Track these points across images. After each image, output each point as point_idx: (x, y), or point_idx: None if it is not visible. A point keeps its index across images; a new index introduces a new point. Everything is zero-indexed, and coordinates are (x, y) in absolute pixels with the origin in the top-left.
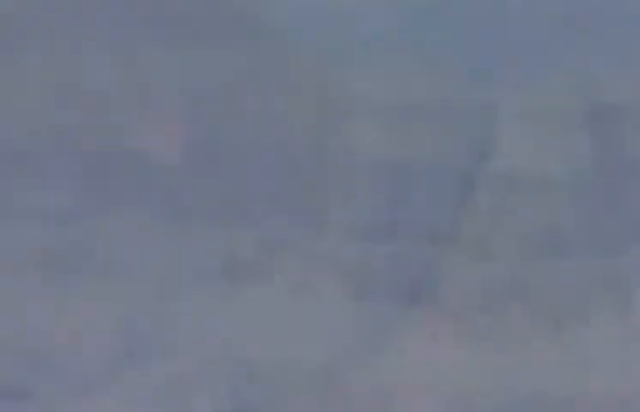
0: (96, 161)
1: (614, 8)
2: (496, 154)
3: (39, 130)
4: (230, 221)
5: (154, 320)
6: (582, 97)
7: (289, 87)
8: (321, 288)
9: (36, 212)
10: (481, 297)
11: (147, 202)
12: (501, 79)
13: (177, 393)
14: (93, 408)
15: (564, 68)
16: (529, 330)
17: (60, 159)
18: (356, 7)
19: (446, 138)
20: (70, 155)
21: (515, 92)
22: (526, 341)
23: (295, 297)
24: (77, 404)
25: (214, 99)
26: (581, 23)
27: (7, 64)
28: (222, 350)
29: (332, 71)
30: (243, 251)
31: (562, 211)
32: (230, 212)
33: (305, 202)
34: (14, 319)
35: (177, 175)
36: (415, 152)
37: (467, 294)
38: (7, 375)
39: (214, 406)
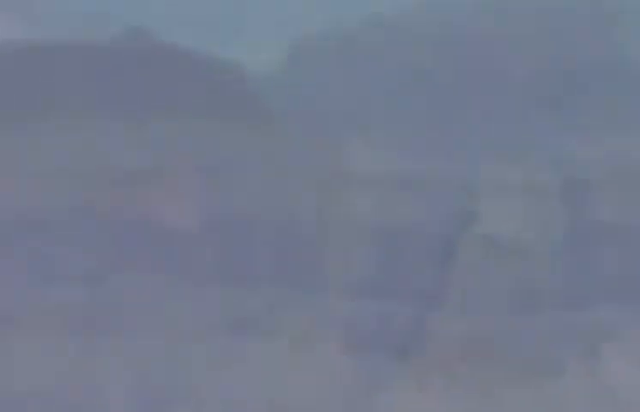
0: (117, 230)
1: (587, 89)
2: (476, 221)
3: (66, 202)
4: (237, 282)
5: (169, 373)
6: (555, 171)
7: (290, 161)
8: (319, 343)
9: (64, 275)
10: (463, 350)
11: (162, 266)
12: (482, 153)
13: None
14: None
15: (540, 144)
16: (507, 380)
17: (85, 228)
18: (347, 83)
19: (431, 207)
20: (94, 225)
21: (494, 165)
22: (504, 390)
23: (295, 351)
24: None
25: (223, 171)
26: (555, 102)
27: (34, 143)
28: (229, 397)
29: (328, 146)
30: (249, 309)
31: (536, 273)
32: (237, 274)
33: (305, 264)
34: (42, 373)
35: (189, 242)
36: (404, 219)
37: (451, 348)
38: None
39: None
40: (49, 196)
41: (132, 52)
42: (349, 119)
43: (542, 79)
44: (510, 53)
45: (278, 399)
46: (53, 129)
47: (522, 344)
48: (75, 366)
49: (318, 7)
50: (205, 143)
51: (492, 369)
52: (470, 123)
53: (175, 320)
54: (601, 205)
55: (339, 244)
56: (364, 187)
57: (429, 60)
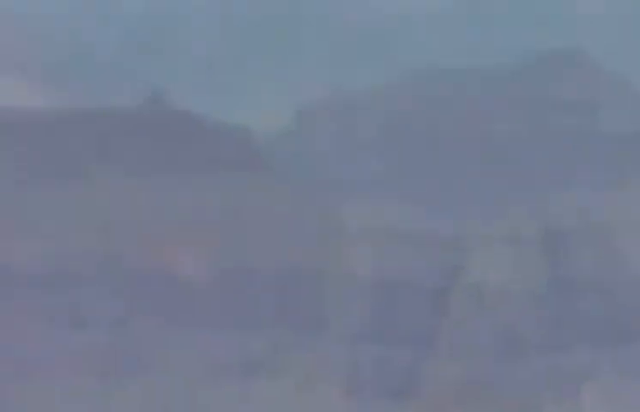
0: (137, 279)
1: (565, 152)
2: (465, 273)
3: (91, 254)
4: (243, 327)
5: (183, 409)
6: (537, 223)
7: (295, 216)
8: (320, 384)
9: (89, 319)
10: (455, 391)
11: (175, 311)
12: (472, 209)
13: None
14: None
15: (523, 200)
16: None
17: (108, 278)
18: (347, 145)
19: (424, 260)
20: (116, 274)
21: (482, 220)
22: None
23: (298, 392)
24: None
25: (232, 226)
26: (535, 164)
27: (62, 202)
28: None
29: (329, 202)
30: (256, 352)
31: (521, 318)
32: (243, 319)
33: (308, 311)
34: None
35: (202, 289)
36: (399, 271)
37: (444, 389)
38: None
39: None
40: (76, 249)
41: (150, 118)
42: (349, 178)
43: (524, 141)
44: (493, 118)
45: None
46: (79, 187)
47: (509, 386)
48: (97, 405)
49: (321, 75)
50: (216, 200)
51: (484, 410)
52: (459, 182)
53: (189, 362)
54: (578, 256)
55: (340, 292)
56: (362, 241)
57: (423, 125)
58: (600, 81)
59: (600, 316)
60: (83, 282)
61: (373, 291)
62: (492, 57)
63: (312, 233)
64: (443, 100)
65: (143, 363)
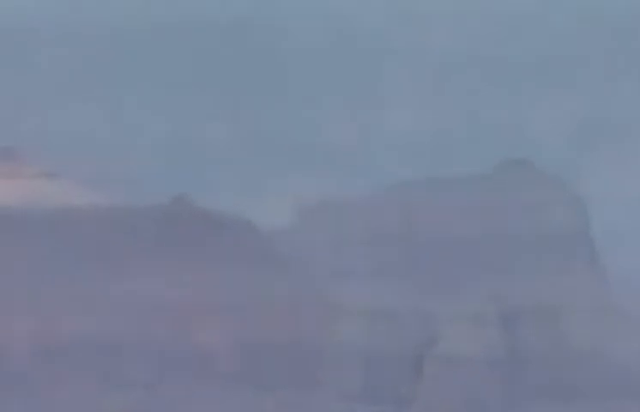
0: (165, 348)
1: (525, 230)
2: (438, 343)
3: (128, 328)
4: (257, 387)
5: None
6: (497, 303)
7: (296, 296)
8: None
9: (125, 388)
10: None
11: (200, 375)
12: (443, 293)
13: None
14: None
15: (480, 283)
16: None
17: (138, 358)
18: (339, 239)
19: (404, 332)
20: (146, 355)
21: (449, 298)
22: None
23: None
24: None
25: (244, 306)
26: (496, 256)
27: (100, 287)
28: None
29: (324, 287)
30: (266, 408)
31: (482, 384)
32: (257, 382)
33: (308, 375)
34: None
35: (220, 357)
36: (383, 342)
37: None
38: None
39: None
40: (116, 324)
41: (175, 215)
42: (340, 265)
43: (487, 236)
44: (461, 218)
45: None
46: (117, 274)
47: None
48: None
49: (322, 178)
50: (231, 285)
51: None
52: (433, 270)
53: None
54: (530, 332)
55: (335, 359)
56: (351, 317)
57: (403, 226)
58: (546, 184)
59: (548, 378)
60: (122, 351)
61: (362, 358)
62: (456, 166)
63: (311, 311)
64: (419, 205)
65: None
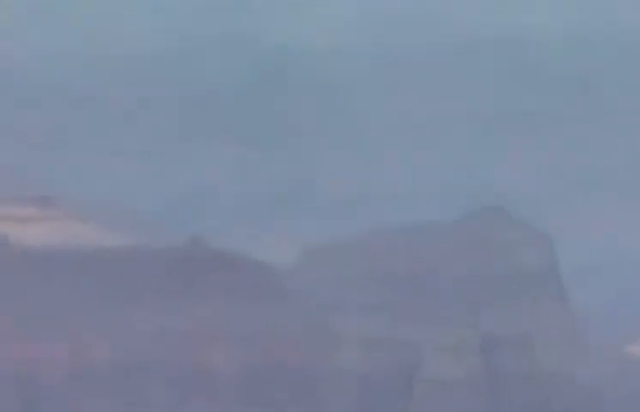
0: (186, 375)
1: (500, 269)
2: (422, 368)
3: (146, 365)
4: (266, 407)
5: None
6: (477, 332)
7: (300, 329)
8: None
9: (148, 408)
10: None
11: (217, 396)
12: (430, 324)
13: None
14: None
15: (461, 315)
16: None
17: (160, 381)
18: (342, 279)
19: (394, 359)
20: (166, 379)
21: (435, 329)
22: None
23: None
24: None
25: (254, 335)
26: (474, 284)
27: (127, 322)
28: None
29: (327, 321)
30: None
31: (464, 404)
32: (266, 401)
33: (310, 395)
34: None
35: (232, 379)
36: (375, 367)
37: None
38: None
39: None
40: (141, 352)
41: (192, 255)
42: (342, 302)
43: (466, 274)
44: (442, 258)
45: None
46: (138, 308)
47: None
48: None
49: (328, 220)
50: (240, 318)
51: None
52: (421, 305)
53: None
54: (506, 357)
55: (332, 383)
56: (348, 345)
57: (398, 266)
58: (517, 228)
59: (523, 401)
60: (145, 376)
61: (358, 381)
62: (435, 213)
63: (313, 339)
64: (407, 247)
65: None
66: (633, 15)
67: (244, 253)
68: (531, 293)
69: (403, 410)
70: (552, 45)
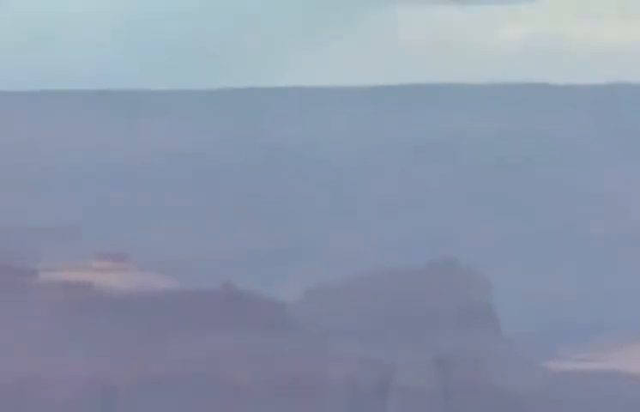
0: (208, 389)
1: (453, 308)
2: (395, 379)
3: (184, 382)
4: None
5: None
6: (436, 354)
7: (304, 356)
8: None
9: None
10: None
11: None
12: (396, 343)
13: None
14: None
15: (424, 340)
16: None
17: (194, 394)
18: (343, 316)
19: (373, 373)
20: (201, 391)
21: (405, 349)
22: None
23: None
24: None
25: (264, 357)
26: (432, 319)
27: (174, 358)
28: None
29: (327, 353)
30: None
31: (425, 409)
32: (270, 406)
33: (305, 403)
34: None
35: (249, 396)
36: (360, 381)
37: None
38: None
39: None
40: (177, 373)
41: (224, 296)
42: (332, 327)
43: (425, 318)
44: (405, 302)
45: None
46: (184, 339)
47: None
48: None
49: (331, 263)
50: (258, 344)
51: None
52: (398, 333)
53: None
54: (458, 374)
55: (327, 393)
56: (340, 363)
57: (383, 304)
58: (470, 282)
59: (471, 407)
60: (184, 391)
61: (348, 389)
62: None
63: (314, 358)
64: (380, 289)
65: None
66: None
67: (262, 293)
68: (476, 323)
69: (381, 410)
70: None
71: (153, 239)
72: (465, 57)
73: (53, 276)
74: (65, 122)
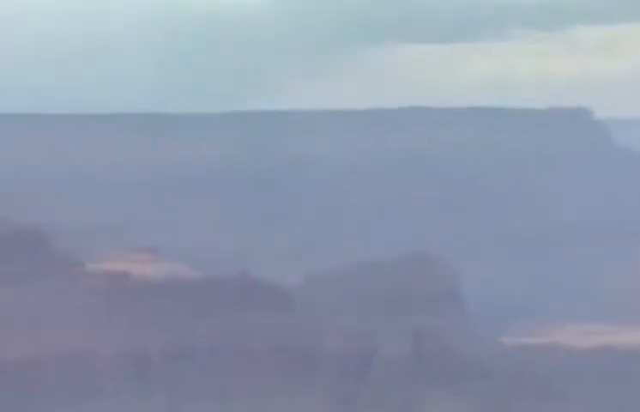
0: (226, 370)
1: (425, 294)
2: (378, 351)
3: (204, 357)
4: (276, 375)
5: None
6: (415, 347)
7: (302, 328)
8: None
9: (199, 393)
10: None
11: (239, 383)
12: (377, 323)
13: None
14: None
15: (398, 319)
16: None
17: (210, 369)
18: (340, 302)
19: (360, 344)
20: (215, 367)
21: (384, 329)
22: None
23: None
24: None
25: (271, 336)
26: (404, 302)
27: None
28: None
29: (317, 320)
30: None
31: (403, 375)
32: (275, 376)
33: (302, 376)
34: None
35: (260, 365)
36: (349, 351)
37: None
38: None
39: None
40: (197, 347)
41: (240, 284)
42: (336, 313)
43: (399, 294)
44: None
45: None
46: (207, 319)
47: None
48: None
49: (328, 251)
50: (267, 323)
51: None
52: (375, 312)
53: None
54: (428, 346)
55: (322, 368)
56: (334, 335)
57: (368, 290)
58: (442, 273)
59: (439, 373)
60: (200, 365)
61: (342, 359)
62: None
63: (312, 331)
64: (371, 277)
65: None
66: None
67: (276, 281)
68: (444, 304)
69: (366, 376)
70: None
71: (180, 237)
72: (438, 86)
73: (98, 267)
74: (103, 143)
